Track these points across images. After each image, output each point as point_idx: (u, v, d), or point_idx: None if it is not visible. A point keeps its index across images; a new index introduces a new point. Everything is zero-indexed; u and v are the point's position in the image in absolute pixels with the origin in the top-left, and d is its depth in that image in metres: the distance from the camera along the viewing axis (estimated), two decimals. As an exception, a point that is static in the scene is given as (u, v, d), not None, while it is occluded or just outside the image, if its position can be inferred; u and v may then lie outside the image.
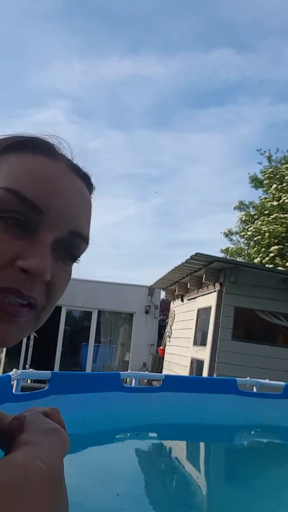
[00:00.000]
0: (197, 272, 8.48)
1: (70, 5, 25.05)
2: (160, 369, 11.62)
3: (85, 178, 0.51)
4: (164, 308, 14.44)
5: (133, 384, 4.70)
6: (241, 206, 15.92)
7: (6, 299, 0.43)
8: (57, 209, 0.45)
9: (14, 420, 0.48)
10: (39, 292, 0.45)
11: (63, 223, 0.45)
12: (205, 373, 7.68)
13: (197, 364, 8.45)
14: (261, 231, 13.48)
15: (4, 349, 11.76)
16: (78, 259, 0.50)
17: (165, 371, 10.59)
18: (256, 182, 16.08)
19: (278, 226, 13.26)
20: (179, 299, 10.71)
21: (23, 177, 0.44)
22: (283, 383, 5.07)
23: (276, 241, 13.36)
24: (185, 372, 8.96)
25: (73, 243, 0.47)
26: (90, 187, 0.52)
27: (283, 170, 15.04)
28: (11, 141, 0.48)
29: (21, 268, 0.43)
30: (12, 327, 0.44)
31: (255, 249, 14.10)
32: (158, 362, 12.41)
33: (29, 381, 7.07)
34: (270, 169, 15.35)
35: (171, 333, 11.06)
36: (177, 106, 28.21)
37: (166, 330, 11.68)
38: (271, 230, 13.20)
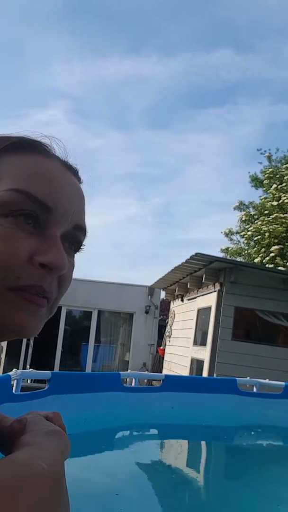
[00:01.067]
0: (197, 272, 8.48)
1: (71, 5, 25.06)
2: (160, 369, 11.62)
3: (76, 174, 0.53)
4: (164, 308, 14.44)
5: (133, 384, 4.69)
6: (241, 206, 15.93)
7: (31, 293, 0.45)
8: (63, 205, 0.47)
9: (15, 423, 0.48)
10: (54, 286, 0.47)
11: (69, 219, 0.48)
12: (205, 373, 7.68)
13: (197, 364, 8.45)
14: (261, 231, 13.48)
15: (4, 349, 11.77)
16: (81, 248, 0.53)
17: (165, 371, 10.58)
18: (256, 182, 16.08)
19: (278, 226, 13.26)
20: (179, 299, 10.71)
21: (29, 177, 0.46)
22: (283, 383, 5.07)
23: (276, 241, 13.37)
24: (185, 372, 8.96)
25: (76, 235, 0.50)
26: (79, 181, 0.54)
27: (283, 170, 15.04)
28: (7, 142, 0.49)
29: (41, 263, 0.44)
30: (36, 319, 0.46)
31: (255, 249, 14.10)
32: (158, 362, 12.41)
33: (29, 381, 7.07)
34: (270, 169, 15.35)
35: (171, 333, 11.06)
36: (177, 106, 28.24)
37: (166, 330, 11.68)
38: (271, 230, 13.20)
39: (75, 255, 0.53)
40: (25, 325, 0.46)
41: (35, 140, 0.51)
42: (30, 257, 0.44)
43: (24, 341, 12.04)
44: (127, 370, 7.03)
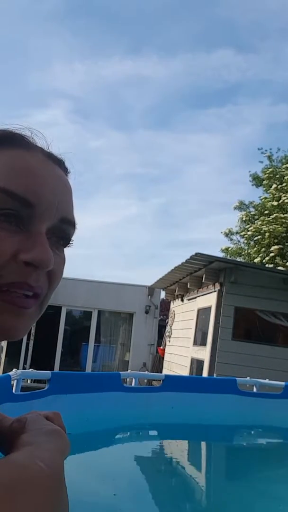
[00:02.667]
0: (197, 272, 8.48)
1: (72, 6, 25.05)
2: (160, 369, 11.62)
3: (61, 164, 0.51)
4: (164, 308, 14.44)
5: (133, 384, 4.69)
6: (241, 206, 15.93)
7: (14, 293, 0.44)
8: (46, 199, 0.46)
9: (15, 422, 0.48)
10: (43, 282, 0.46)
11: (53, 212, 0.46)
12: (205, 373, 7.68)
13: (197, 364, 8.44)
14: (261, 231, 13.48)
15: (4, 349, 11.77)
16: (71, 243, 0.51)
17: (165, 371, 10.58)
18: (257, 181, 16.08)
19: (278, 226, 13.26)
20: (179, 299, 10.71)
21: (7, 173, 0.44)
22: (283, 383, 5.07)
23: (276, 241, 13.37)
24: (185, 372, 8.96)
25: (63, 229, 0.48)
26: (66, 171, 0.52)
27: (283, 170, 15.04)
28: None
29: (25, 261, 0.43)
30: (22, 320, 0.45)
31: (255, 249, 14.11)
32: (158, 362, 12.41)
33: (29, 381, 7.07)
34: (270, 169, 15.35)
35: (171, 333, 11.05)
36: (178, 107, 28.23)
37: (166, 330, 11.68)
38: (271, 230, 13.20)
39: (69, 248, 0.51)
40: (11, 327, 0.45)
41: (15, 133, 0.49)
42: (14, 255, 0.43)
43: (24, 341, 12.04)
44: (127, 370, 7.03)
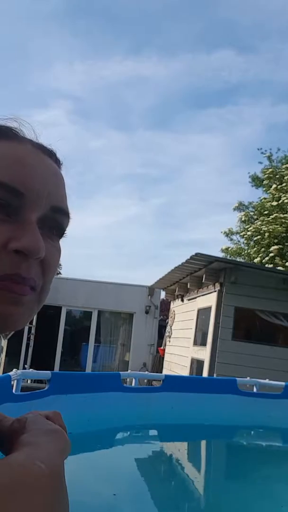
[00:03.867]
0: (197, 272, 8.48)
1: (72, 6, 25.07)
2: (160, 369, 11.62)
3: (52, 155, 0.51)
4: (164, 308, 14.44)
5: (133, 384, 4.69)
6: (240, 207, 15.94)
7: (8, 282, 0.43)
8: (36, 188, 0.45)
9: (15, 422, 0.47)
10: (36, 273, 0.45)
11: (44, 201, 0.46)
12: (205, 373, 7.68)
13: (197, 364, 8.44)
14: (261, 231, 13.49)
15: (4, 349, 11.76)
16: (65, 233, 0.50)
17: (165, 371, 10.58)
18: (257, 181, 16.09)
19: (278, 226, 13.27)
20: (179, 299, 10.71)
21: None
22: (283, 383, 5.07)
23: (276, 241, 13.37)
24: (185, 372, 8.96)
25: (56, 218, 0.48)
26: (58, 163, 0.52)
27: (283, 170, 15.05)
28: None
29: (15, 250, 0.42)
30: (20, 308, 0.44)
31: (255, 249, 14.12)
32: (158, 362, 12.41)
33: (29, 381, 7.07)
34: (270, 169, 15.35)
35: (171, 333, 11.05)
36: (178, 107, 28.26)
37: (166, 330, 11.68)
38: (270, 230, 13.21)
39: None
40: (8, 315, 0.43)
41: (2, 125, 0.49)
42: (3, 245, 0.42)
43: (24, 341, 12.05)
44: (127, 370, 7.03)
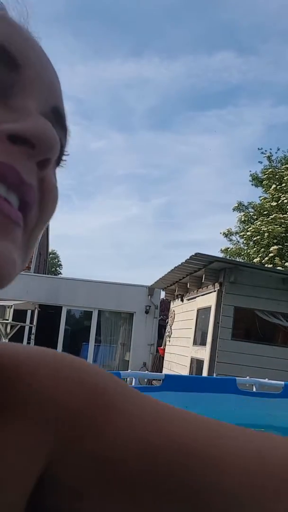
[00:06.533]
0: (197, 272, 8.51)
1: (74, 9, 25.11)
2: (160, 369, 11.66)
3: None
4: (164, 308, 14.47)
5: (133, 384, 4.73)
6: (240, 207, 15.98)
7: None
8: (36, 65, 0.32)
9: None
10: (34, 190, 0.30)
11: (45, 92, 0.32)
12: (204, 373, 7.72)
13: (197, 364, 8.48)
14: (261, 231, 13.53)
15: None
16: (64, 155, 0.35)
17: (165, 371, 10.62)
18: (257, 181, 16.13)
19: (277, 226, 13.32)
20: (179, 299, 10.75)
21: None
22: (282, 383, 5.10)
23: (275, 241, 13.42)
24: (185, 371, 8.99)
25: (56, 128, 0.32)
26: None
27: (283, 170, 15.09)
28: None
29: (11, 134, 0.27)
30: (8, 244, 0.27)
31: (254, 249, 14.16)
32: (158, 362, 12.45)
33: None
34: (270, 170, 15.40)
35: (171, 333, 11.09)
36: (179, 108, 28.36)
37: (166, 330, 11.72)
38: (270, 230, 13.25)
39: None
40: None
41: None
42: None
43: (25, 341, 12.08)
44: (127, 370, 7.06)
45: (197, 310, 9.00)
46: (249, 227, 14.34)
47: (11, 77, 0.30)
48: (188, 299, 9.87)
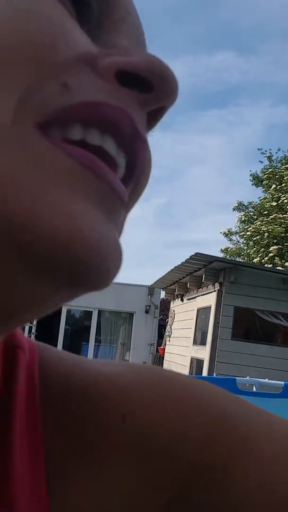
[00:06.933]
0: (197, 272, 8.52)
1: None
2: (160, 369, 11.66)
3: None
4: (164, 308, 14.49)
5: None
6: (240, 207, 16.00)
7: (91, 136, 0.19)
8: (126, 7, 0.25)
9: None
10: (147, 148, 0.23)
11: (135, 33, 0.25)
12: (204, 373, 7.72)
13: (196, 364, 8.50)
14: (260, 231, 13.54)
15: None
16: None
17: (165, 371, 10.62)
18: (257, 181, 16.15)
19: (277, 226, 13.33)
20: (179, 299, 10.76)
21: None
22: (282, 383, 5.11)
23: (275, 241, 13.43)
24: (185, 371, 9.00)
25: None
26: None
27: (283, 170, 15.10)
28: None
29: (120, 70, 0.20)
30: (116, 231, 0.21)
31: (254, 249, 14.17)
32: (158, 362, 12.47)
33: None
34: (270, 170, 15.41)
35: (171, 333, 11.10)
36: (179, 108, 28.38)
37: (166, 329, 11.73)
38: (270, 230, 13.26)
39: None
40: (89, 239, 0.18)
41: None
42: (87, 59, 0.19)
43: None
44: (127, 370, 7.06)
45: (197, 310, 9.01)
46: (249, 227, 14.36)
47: (107, 11, 0.23)
48: (188, 299, 9.88)
